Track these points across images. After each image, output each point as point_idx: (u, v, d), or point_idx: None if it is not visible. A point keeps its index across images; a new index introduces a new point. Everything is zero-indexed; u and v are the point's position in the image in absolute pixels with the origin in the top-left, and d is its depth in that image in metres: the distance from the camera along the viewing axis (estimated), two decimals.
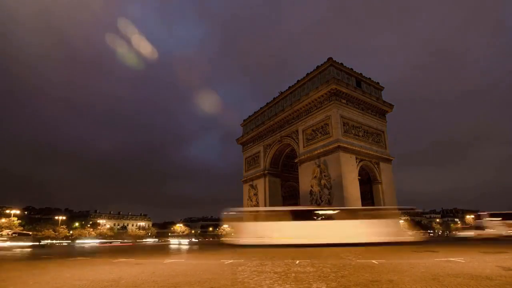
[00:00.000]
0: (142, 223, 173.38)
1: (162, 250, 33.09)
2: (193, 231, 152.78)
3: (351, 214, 29.04)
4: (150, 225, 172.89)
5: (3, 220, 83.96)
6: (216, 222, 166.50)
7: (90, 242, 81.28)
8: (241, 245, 28.01)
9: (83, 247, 52.88)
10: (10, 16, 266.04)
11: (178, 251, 29.36)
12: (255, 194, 79.67)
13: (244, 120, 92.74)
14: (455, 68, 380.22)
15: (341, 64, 62.47)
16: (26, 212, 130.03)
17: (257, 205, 78.54)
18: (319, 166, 58.04)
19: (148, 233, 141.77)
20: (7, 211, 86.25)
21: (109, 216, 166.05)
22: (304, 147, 63.86)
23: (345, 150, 56.31)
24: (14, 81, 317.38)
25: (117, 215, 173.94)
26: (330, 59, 61.48)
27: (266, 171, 77.61)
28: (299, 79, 69.08)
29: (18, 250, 34.97)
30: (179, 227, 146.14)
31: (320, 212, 29.82)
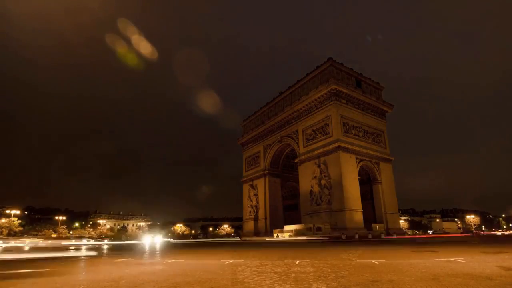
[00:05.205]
0: (142, 223, 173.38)
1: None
2: (193, 231, 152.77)
3: None
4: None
5: (3, 220, 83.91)
6: (216, 222, 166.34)
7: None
8: None
9: None
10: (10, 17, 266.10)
11: (178, 251, 29.37)
12: (255, 194, 79.59)
13: (244, 120, 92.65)
14: None
15: (341, 64, 62.43)
16: (26, 212, 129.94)
17: (257, 205, 78.52)
18: (319, 166, 57.99)
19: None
20: (7, 211, 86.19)
21: (109, 216, 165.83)
22: (304, 147, 63.83)
23: (345, 150, 56.27)
24: (15, 81, 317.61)
25: (118, 215, 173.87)
26: (330, 59, 61.44)
27: (266, 171, 77.52)
28: (299, 79, 69.04)
29: None
30: (179, 227, 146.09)
31: None
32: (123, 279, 9.53)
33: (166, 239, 63.28)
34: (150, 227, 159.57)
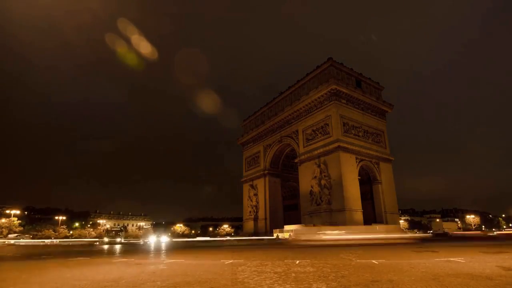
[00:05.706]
0: (142, 223, 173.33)
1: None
2: (193, 231, 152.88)
3: None
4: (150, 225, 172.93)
5: (3, 220, 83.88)
6: (216, 222, 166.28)
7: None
8: None
9: None
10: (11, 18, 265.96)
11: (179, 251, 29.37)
12: (255, 194, 79.54)
13: (244, 120, 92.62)
14: None
15: (341, 64, 62.41)
16: (26, 212, 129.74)
17: (257, 205, 78.48)
18: (319, 166, 57.97)
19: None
20: (7, 211, 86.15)
21: (109, 216, 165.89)
22: (304, 147, 63.81)
23: (345, 150, 56.25)
24: (15, 80, 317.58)
25: (118, 215, 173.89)
26: (330, 59, 61.41)
27: (266, 171, 77.49)
28: (299, 79, 69.02)
29: None
30: (179, 227, 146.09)
31: None
32: (123, 279, 9.53)
33: (171, 239, 67.36)
34: (155, 227, 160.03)
